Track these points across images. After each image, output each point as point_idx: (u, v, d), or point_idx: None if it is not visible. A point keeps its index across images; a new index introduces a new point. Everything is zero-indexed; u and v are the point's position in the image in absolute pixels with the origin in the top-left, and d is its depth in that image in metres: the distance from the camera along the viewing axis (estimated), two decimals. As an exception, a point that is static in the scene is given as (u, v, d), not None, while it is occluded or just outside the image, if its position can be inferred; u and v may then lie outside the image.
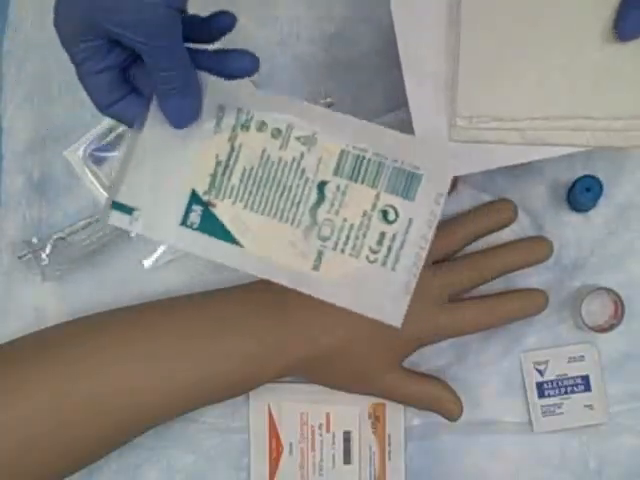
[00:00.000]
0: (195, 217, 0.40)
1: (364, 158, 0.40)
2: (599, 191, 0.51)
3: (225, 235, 0.40)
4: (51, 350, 0.48)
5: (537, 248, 0.52)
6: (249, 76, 0.41)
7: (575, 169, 0.53)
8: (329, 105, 0.54)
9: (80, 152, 0.54)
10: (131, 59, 0.39)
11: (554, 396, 0.53)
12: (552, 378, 0.53)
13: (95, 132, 0.54)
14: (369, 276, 0.40)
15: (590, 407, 0.53)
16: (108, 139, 0.54)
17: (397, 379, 0.51)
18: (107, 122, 0.54)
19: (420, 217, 0.40)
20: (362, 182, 0.40)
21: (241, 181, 0.40)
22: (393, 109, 0.54)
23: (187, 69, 0.38)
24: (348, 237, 0.40)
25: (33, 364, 0.47)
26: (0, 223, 0.55)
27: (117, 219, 0.40)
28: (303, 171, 0.40)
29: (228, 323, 0.49)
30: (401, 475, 0.54)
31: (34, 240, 0.53)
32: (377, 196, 0.40)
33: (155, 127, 0.40)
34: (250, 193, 0.40)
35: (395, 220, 0.40)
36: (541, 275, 0.53)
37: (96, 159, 0.54)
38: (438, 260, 0.51)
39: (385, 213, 0.40)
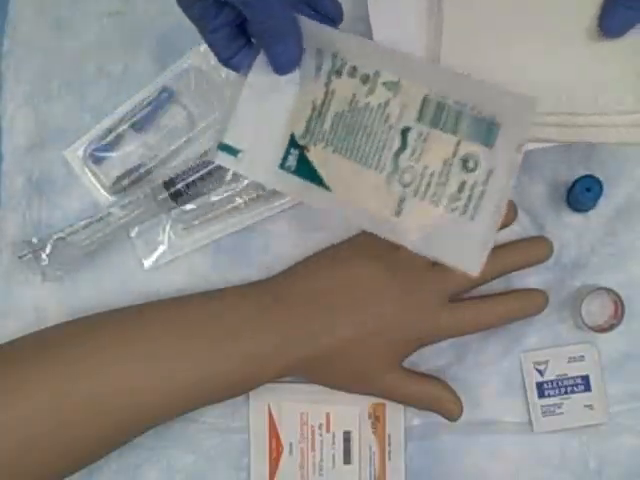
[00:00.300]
0: (292, 160, 0.42)
1: (445, 105, 0.41)
2: (599, 191, 0.51)
3: (316, 179, 0.41)
4: (51, 350, 0.48)
5: (537, 248, 0.52)
6: (339, 21, 0.43)
7: (575, 169, 0.53)
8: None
9: (80, 152, 0.54)
10: (244, 15, 0.40)
11: (554, 396, 0.53)
12: (552, 378, 0.53)
13: (95, 132, 0.54)
14: (448, 224, 0.40)
15: (590, 407, 0.53)
16: (108, 139, 0.54)
17: (397, 379, 0.51)
18: (107, 122, 0.54)
19: (500, 167, 0.40)
20: (443, 129, 0.41)
21: (332, 126, 0.41)
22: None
23: (286, 18, 0.40)
24: (429, 184, 0.40)
25: (33, 364, 0.47)
26: (0, 223, 0.55)
27: (223, 159, 0.42)
28: (388, 117, 0.41)
29: (228, 323, 0.49)
30: (401, 475, 0.54)
31: (34, 240, 0.53)
32: (457, 144, 0.41)
33: (260, 74, 0.42)
34: (339, 138, 0.41)
35: (475, 169, 0.40)
36: (541, 275, 0.54)
37: (96, 159, 0.54)
38: (438, 260, 0.51)
39: (465, 161, 0.41)
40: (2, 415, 0.45)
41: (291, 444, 0.54)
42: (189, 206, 0.54)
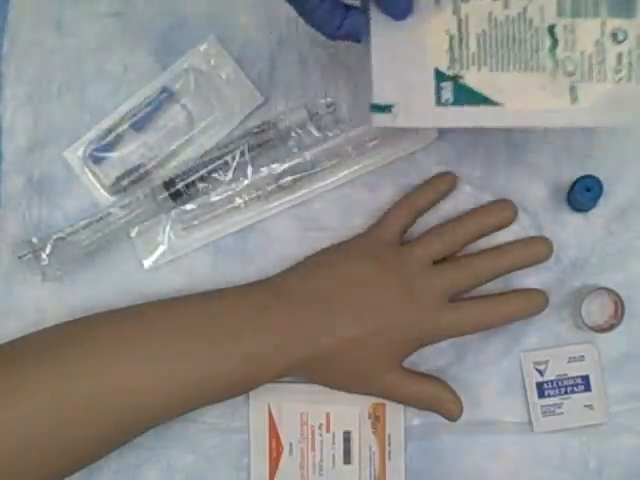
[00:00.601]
0: (447, 93, 0.42)
1: None
2: (599, 191, 0.51)
3: (481, 99, 0.42)
4: (51, 350, 0.48)
5: (537, 248, 0.52)
6: None
7: (575, 169, 0.53)
8: (329, 105, 0.54)
9: (80, 152, 0.54)
10: None
11: (554, 396, 0.53)
12: (552, 378, 0.53)
13: (95, 132, 0.54)
14: (620, 93, 0.43)
15: (590, 407, 0.53)
16: (108, 139, 0.54)
17: (397, 379, 0.51)
18: (107, 122, 0.54)
19: None
20: (585, 16, 0.43)
21: (478, 47, 0.42)
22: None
23: None
24: (590, 66, 0.43)
25: (33, 364, 0.47)
26: (0, 223, 0.55)
27: (380, 120, 0.43)
28: (531, 21, 0.42)
29: (228, 323, 0.49)
30: (401, 475, 0.54)
31: (34, 240, 0.53)
32: (603, 24, 0.43)
33: (380, 29, 0.42)
34: (490, 56, 0.42)
35: (625, 39, 0.43)
36: (541, 275, 0.54)
37: (96, 159, 0.54)
38: (438, 260, 0.51)
39: (614, 36, 0.43)
40: (2, 415, 0.45)
41: (291, 444, 0.54)
42: (189, 206, 0.54)
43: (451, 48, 0.42)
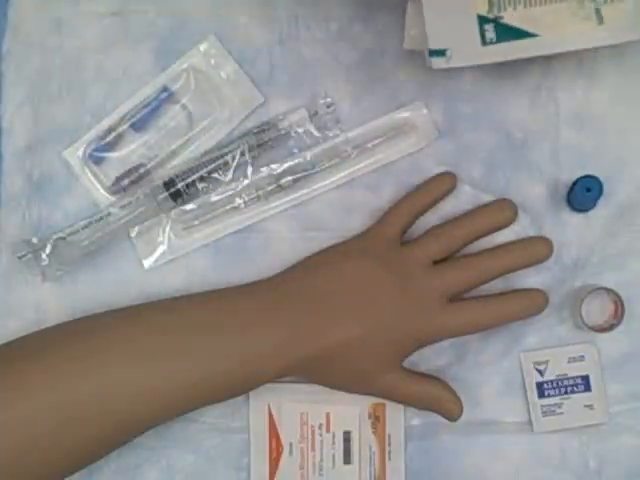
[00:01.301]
0: (490, 34, 0.48)
1: None
2: (599, 191, 0.51)
3: (521, 34, 0.48)
4: (51, 350, 0.48)
5: (537, 248, 0.52)
6: None
7: (575, 169, 0.53)
8: (329, 105, 0.54)
9: (80, 152, 0.54)
10: None
11: (554, 396, 0.53)
12: (552, 378, 0.53)
13: (95, 132, 0.54)
14: (638, 9, 0.47)
15: (590, 407, 0.53)
16: (108, 139, 0.54)
17: (397, 379, 0.51)
18: (107, 122, 0.54)
19: None
20: None
21: None
22: (393, 109, 0.54)
23: None
24: None
25: (33, 364, 0.47)
26: (0, 223, 0.55)
27: (437, 63, 0.48)
28: None
29: (228, 323, 0.49)
30: (401, 475, 0.54)
31: (34, 240, 0.53)
32: None
33: None
34: None
35: None
36: (541, 275, 0.54)
37: (96, 159, 0.54)
38: (438, 260, 0.51)
39: None
40: (2, 415, 0.45)
41: (291, 444, 0.54)
42: (189, 206, 0.54)
43: None
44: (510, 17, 0.48)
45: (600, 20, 0.48)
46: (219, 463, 0.54)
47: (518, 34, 0.48)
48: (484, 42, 0.48)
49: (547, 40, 0.48)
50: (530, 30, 0.48)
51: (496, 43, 0.48)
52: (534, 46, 0.48)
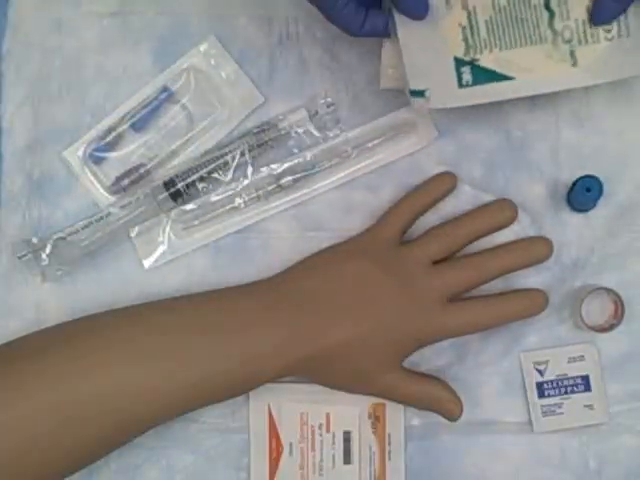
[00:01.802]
0: (467, 76, 0.48)
1: None
2: (599, 191, 0.51)
3: (497, 77, 0.48)
4: (51, 350, 0.48)
5: (537, 248, 0.52)
6: None
7: (575, 169, 0.53)
8: (329, 105, 0.54)
9: (80, 152, 0.54)
10: None
11: (554, 396, 0.53)
12: (552, 378, 0.53)
13: (95, 132, 0.54)
14: (612, 51, 0.48)
15: (590, 407, 0.53)
16: (108, 139, 0.54)
17: (397, 379, 0.51)
18: (107, 122, 0.54)
19: None
20: None
21: (488, 32, 0.48)
22: (393, 109, 0.54)
23: None
24: (584, 31, 0.48)
25: (33, 364, 0.47)
26: (0, 223, 0.55)
27: (418, 104, 0.49)
28: (529, 1, 0.48)
29: (228, 323, 0.49)
30: (401, 475, 0.54)
31: (34, 240, 0.53)
32: None
33: (405, 26, 0.48)
34: (499, 38, 0.48)
35: None
36: (541, 275, 0.54)
37: (96, 159, 0.54)
38: (438, 260, 0.51)
39: None
40: (2, 415, 0.45)
41: (291, 444, 0.54)
42: (189, 206, 0.54)
43: (465, 37, 0.48)
44: (486, 60, 0.48)
45: (574, 62, 0.48)
46: (219, 463, 0.54)
47: (494, 77, 0.48)
48: (461, 84, 0.49)
49: (522, 83, 0.48)
50: (506, 73, 0.48)
51: (472, 85, 0.49)
52: (510, 89, 0.48)
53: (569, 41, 0.48)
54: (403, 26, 0.47)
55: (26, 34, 0.55)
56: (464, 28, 0.48)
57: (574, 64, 0.48)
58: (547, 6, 0.48)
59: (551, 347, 0.54)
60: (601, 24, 0.47)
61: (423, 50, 0.48)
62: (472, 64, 0.48)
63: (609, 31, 0.48)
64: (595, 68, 0.48)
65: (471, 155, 0.54)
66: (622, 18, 0.47)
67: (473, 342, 0.54)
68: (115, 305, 0.52)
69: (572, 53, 0.48)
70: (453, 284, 0.50)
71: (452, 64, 0.49)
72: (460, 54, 0.48)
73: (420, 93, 0.49)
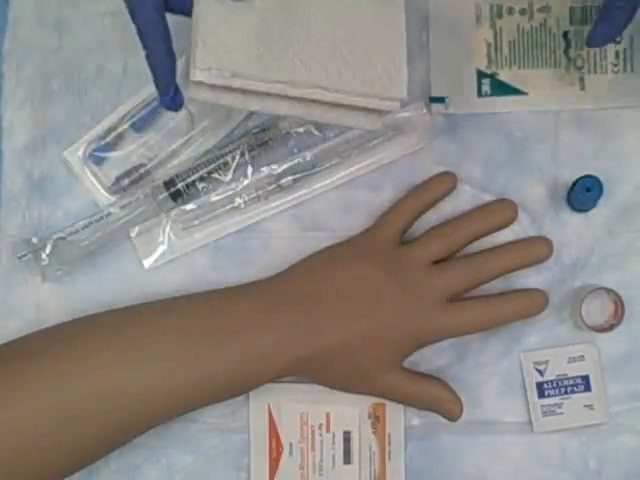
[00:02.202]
0: (486, 87, 0.54)
1: (588, 7, 0.54)
2: (599, 191, 0.51)
3: (512, 90, 0.54)
4: (51, 350, 0.48)
5: (537, 248, 0.52)
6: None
7: (575, 169, 0.53)
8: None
9: (80, 152, 0.54)
10: None
11: (554, 396, 0.53)
12: (552, 378, 0.53)
13: (95, 132, 0.54)
14: (617, 82, 0.54)
15: (590, 407, 0.53)
16: (108, 139, 0.54)
17: (397, 379, 0.51)
18: (107, 122, 0.54)
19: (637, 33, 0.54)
20: (590, 23, 0.54)
21: (510, 51, 0.54)
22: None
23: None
24: (595, 62, 0.54)
25: (33, 364, 0.47)
26: (0, 223, 0.55)
27: (437, 109, 0.54)
28: (550, 29, 0.54)
29: (228, 323, 0.49)
30: (401, 475, 0.54)
31: (34, 240, 0.53)
32: None
33: (437, 40, 0.55)
34: (519, 57, 0.54)
35: (621, 40, 0.54)
36: (541, 275, 0.54)
37: (96, 159, 0.54)
38: (438, 260, 0.51)
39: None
40: (2, 415, 0.45)
41: (291, 444, 0.54)
42: (189, 206, 0.54)
43: (488, 53, 0.55)
44: (505, 74, 0.54)
45: (582, 87, 0.54)
46: (219, 463, 0.54)
47: (510, 90, 0.54)
48: (480, 94, 0.54)
49: (534, 98, 0.54)
50: (521, 88, 0.54)
51: (490, 96, 0.54)
52: (522, 102, 0.54)
53: (580, 68, 0.54)
54: (435, 41, 0.54)
55: (26, 34, 0.55)
56: (489, 45, 0.55)
57: (582, 88, 0.54)
58: (565, 36, 0.54)
59: (551, 347, 0.54)
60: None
61: (450, 60, 0.54)
62: (492, 77, 0.54)
63: (616, 65, 0.54)
64: (601, 94, 0.54)
65: (471, 155, 0.54)
66: (628, 56, 0.54)
67: (473, 342, 0.54)
68: (115, 305, 0.52)
69: (581, 79, 0.54)
70: (453, 284, 0.50)
71: (474, 75, 0.55)
72: (482, 67, 0.55)
73: (440, 100, 0.54)
